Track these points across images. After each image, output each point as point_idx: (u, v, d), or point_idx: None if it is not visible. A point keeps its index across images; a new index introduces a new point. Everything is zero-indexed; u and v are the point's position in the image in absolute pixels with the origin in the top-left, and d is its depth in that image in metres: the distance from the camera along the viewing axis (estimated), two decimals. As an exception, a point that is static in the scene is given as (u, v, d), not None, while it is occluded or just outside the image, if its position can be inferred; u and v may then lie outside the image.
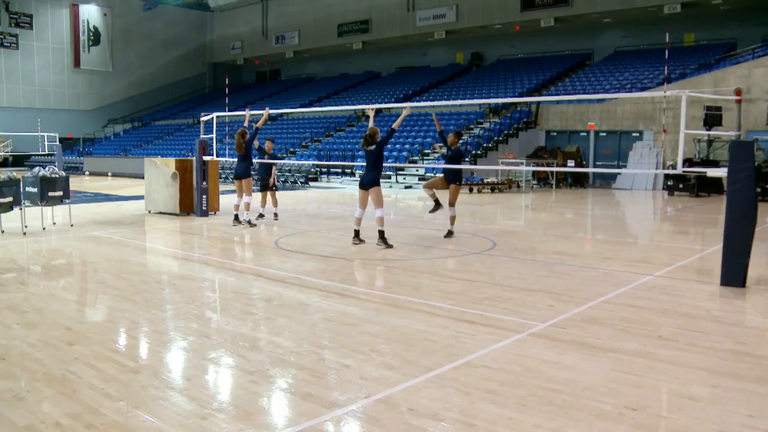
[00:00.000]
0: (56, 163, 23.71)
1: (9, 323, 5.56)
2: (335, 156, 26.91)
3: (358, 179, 10.26)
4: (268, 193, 13.21)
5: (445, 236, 10.63)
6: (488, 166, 24.08)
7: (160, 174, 14.06)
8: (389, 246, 9.48)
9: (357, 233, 9.83)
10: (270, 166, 13.14)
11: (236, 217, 12.19)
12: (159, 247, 10.35)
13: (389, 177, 24.64)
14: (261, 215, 13.08)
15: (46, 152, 36.78)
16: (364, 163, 9.75)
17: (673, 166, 17.70)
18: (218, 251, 9.97)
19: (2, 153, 38.22)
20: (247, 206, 12.04)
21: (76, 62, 44.18)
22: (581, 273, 8.08)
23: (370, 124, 10.00)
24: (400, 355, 4.77)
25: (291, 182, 26.31)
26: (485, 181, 22.88)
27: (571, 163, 24.58)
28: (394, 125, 9.45)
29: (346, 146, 28.28)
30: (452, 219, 10.59)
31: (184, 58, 49.81)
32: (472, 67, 37.59)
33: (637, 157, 24.32)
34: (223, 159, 17.92)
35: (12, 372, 4.38)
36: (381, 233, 9.56)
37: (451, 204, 10.46)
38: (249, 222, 12.02)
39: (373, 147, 9.46)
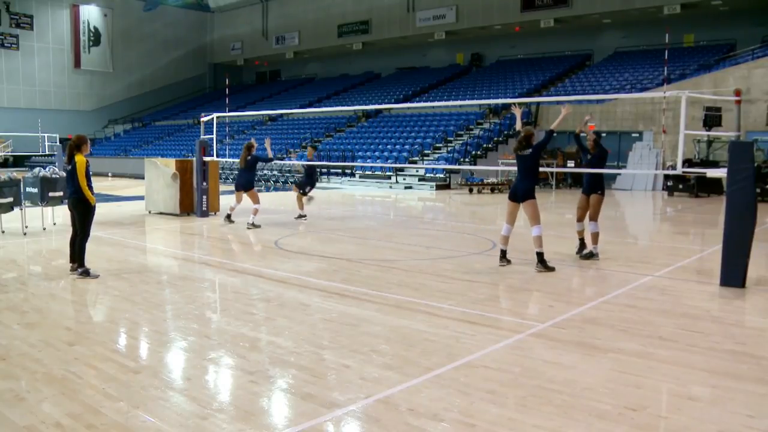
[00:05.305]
0: (56, 164, 23.69)
1: (9, 323, 5.56)
2: (335, 156, 26.89)
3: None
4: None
5: (584, 257, 8.84)
6: (488, 166, 24.09)
7: (160, 174, 14.06)
8: (550, 269, 7.91)
9: (504, 253, 8.31)
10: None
11: (228, 216, 12.61)
12: (159, 248, 10.35)
13: (389, 177, 24.67)
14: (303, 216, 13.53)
15: (47, 153, 36.80)
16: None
17: (673, 167, 17.68)
18: (218, 252, 9.97)
19: (3, 153, 38.23)
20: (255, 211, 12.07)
21: (77, 63, 44.17)
22: (581, 273, 8.08)
23: (518, 125, 8.56)
24: (400, 356, 4.77)
25: (291, 182, 26.31)
26: (485, 181, 22.89)
27: (571, 163, 24.57)
28: (553, 126, 7.97)
29: (346, 146, 28.26)
30: (595, 236, 8.81)
31: (185, 58, 49.81)
32: (472, 67, 37.59)
33: (637, 157, 24.31)
34: (223, 159, 17.92)
35: (12, 372, 4.39)
36: (539, 255, 7.96)
37: (593, 218, 8.77)
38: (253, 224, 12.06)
39: (529, 151, 7.96)
